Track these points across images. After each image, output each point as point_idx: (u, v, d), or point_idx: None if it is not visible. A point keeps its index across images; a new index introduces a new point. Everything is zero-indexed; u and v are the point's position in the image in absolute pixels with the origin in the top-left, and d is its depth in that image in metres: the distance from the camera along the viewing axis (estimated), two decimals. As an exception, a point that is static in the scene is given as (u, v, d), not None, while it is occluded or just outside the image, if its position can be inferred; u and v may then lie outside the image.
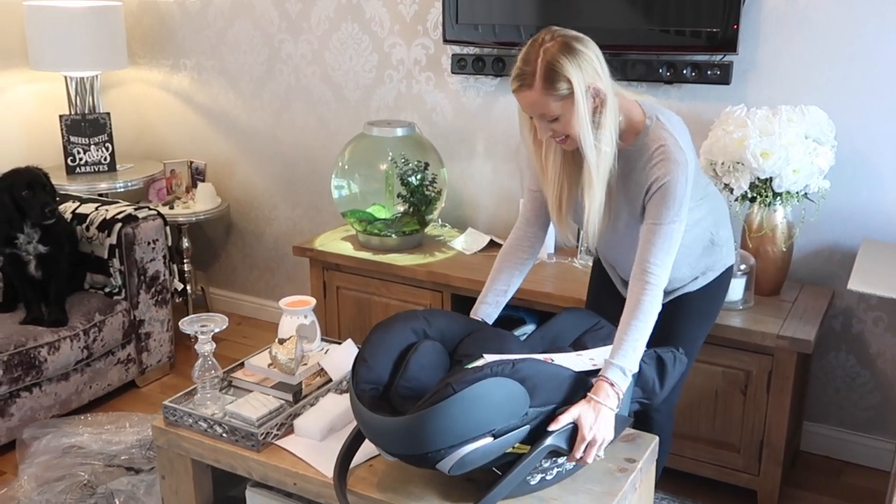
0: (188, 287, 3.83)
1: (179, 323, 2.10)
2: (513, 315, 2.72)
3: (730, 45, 2.61)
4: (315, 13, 3.47)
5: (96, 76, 3.75)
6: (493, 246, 3.07)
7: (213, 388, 2.12)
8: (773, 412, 2.45)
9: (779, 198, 2.44)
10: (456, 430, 1.59)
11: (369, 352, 1.83)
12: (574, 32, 1.80)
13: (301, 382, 2.13)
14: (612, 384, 1.75)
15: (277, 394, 2.10)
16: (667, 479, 2.61)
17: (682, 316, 2.10)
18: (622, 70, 2.79)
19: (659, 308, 1.88)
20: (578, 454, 1.71)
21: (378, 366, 1.82)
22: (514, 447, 1.68)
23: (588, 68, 1.75)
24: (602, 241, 2.09)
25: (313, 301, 2.34)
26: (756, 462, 2.52)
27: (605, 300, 2.20)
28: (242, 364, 2.24)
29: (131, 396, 3.33)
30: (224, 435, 2.00)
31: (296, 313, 2.32)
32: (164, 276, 3.36)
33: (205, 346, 2.09)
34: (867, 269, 2.34)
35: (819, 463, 2.86)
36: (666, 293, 2.07)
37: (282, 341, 2.17)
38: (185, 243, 3.83)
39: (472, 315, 2.06)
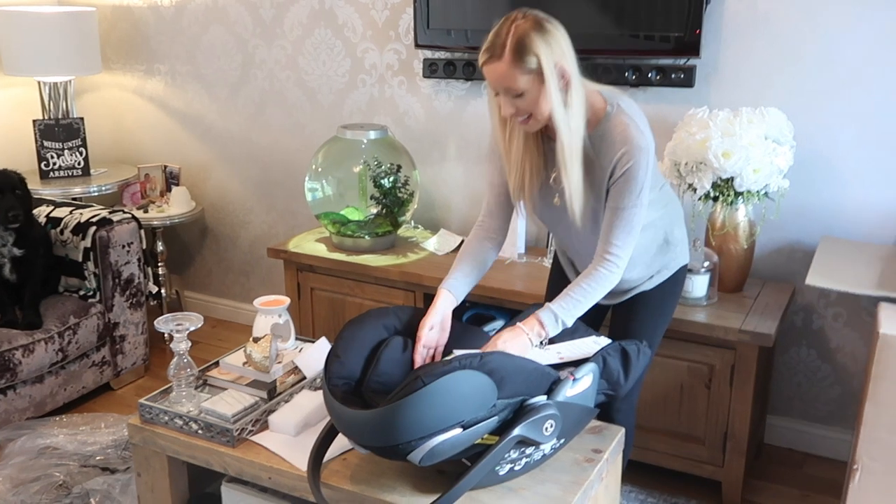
0: (163, 290, 3.85)
1: (155, 322, 2.13)
2: (483, 313, 2.79)
3: (693, 49, 2.68)
4: (288, 19, 3.51)
5: (70, 81, 3.77)
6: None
7: (189, 387, 2.15)
8: (736, 405, 2.53)
9: (740, 197, 2.52)
10: (426, 421, 1.64)
11: (342, 348, 1.87)
12: (545, 14, 1.86)
13: (276, 380, 2.16)
14: (540, 322, 1.91)
15: (252, 391, 2.13)
16: (633, 471, 2.68)
17: (638, 314, 2.17)
18: (591, 73, 2.83)
19: (611, 286, 1.97)
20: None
21: (350, 361, 1.86)
22: (482, 438, 1.73)
23: (556, 47, 1.81)
24: (564, 233, 2.14)
25: (287, 300, 2.38)
26: (720, 454, 2.59)
27: None
28: (218, 363, 2.27)
29: (106, 399, 3.34)
30: (199, 431, 2.03)
31: (270, 312, 2.36)
32: (139, 279, 3.38)
33: (180, 345, 2.12)
34: (825, 266, 2.42)
35: (782, 455, 2.94)
36: (622, 292, 2.15)
37: (256, 340, 2.21)
38: (160, 247, 3.85)
39: (440, 290, 2.06)
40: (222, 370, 2.25)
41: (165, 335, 2.14)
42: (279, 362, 2.22)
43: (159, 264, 3.86)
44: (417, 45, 3.15)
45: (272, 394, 2.14)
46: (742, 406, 2.52)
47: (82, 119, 3.76)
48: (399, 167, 3.09)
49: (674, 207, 2.18)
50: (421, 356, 1.95)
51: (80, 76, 3.81)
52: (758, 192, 2.50)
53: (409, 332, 1.98)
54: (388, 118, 3.41)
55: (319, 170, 3.20)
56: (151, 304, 3.68)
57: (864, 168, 2.67)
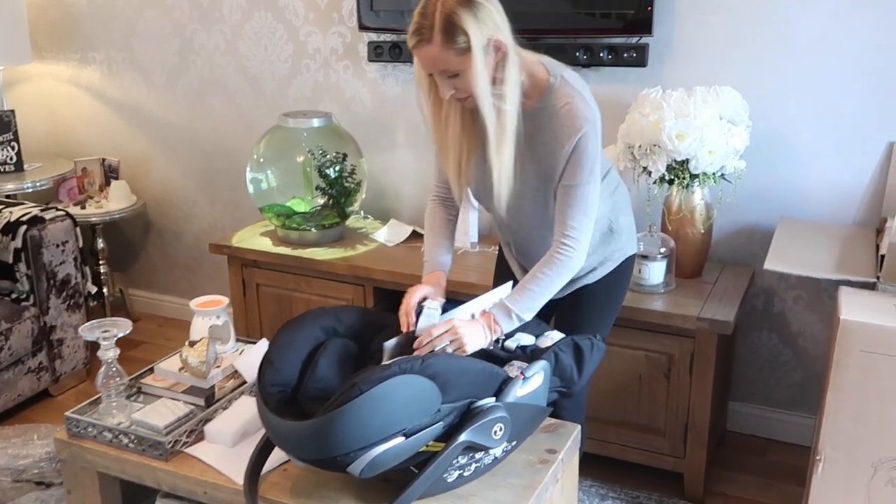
0: (104, 290, 3.69)
1: (80, 329, 2.01)
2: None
3: (644, 26, 2.59)
4: (227, 2, 3.36)
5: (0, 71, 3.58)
6: (415, 237, 3.01)
7: (119, 396, 2.03)
8: (696, 395, 2.45)
9: (696, 179, 2.43)
10: (364, 431, 1.54)
11: (276, 353, 1.76)
12: None
13: (214, 386, 2.06)
14: (494, 319, 1.81)
15: (189, 398, 2.03)
16: (593, 465, 2.60)
17: (583, 309, 2.08)
18: (537, 54, 2.75)
19: (571, 272, 1.87)
20: (436, 331, 1.75)
21: (285, 367, 1.75)
22: (428, 445, 1.63)
23: (488, 20, 1.70)
24: (508, 219, 2.03)
25: (225, 301, 2.27)
26: (681, 445, 2.52)
27: None
28: (153, 369, 2.15)
29: (45, 406, 3.19)
30: (130, 445, 1.91)
31: (207, 314, 2.25)
32: (76, 279, 3.22)
33: (108, 353, 2.00)
34: (783, 249, 2.34)
35: (745, 442, 2.88)
36: (565, 285, 2.05)
37: (192, 343, 2.09)
38: (101, 244, 3.68)
39: (428, 271, 2.01)
40: (157, 376, 2.14)
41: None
42: (218, 366, 2.11)
43: (100, 262, 3.70)
44: (362, 28, 3.02)
45: (210, 400, 2.03)
46: (702, 396, 2.44)
47: (13, 112, 3.57)
48: (345, 156, 2.97)
49: (620, 194, 2.08)
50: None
51: (8, 66, 3.62)
52: (714, 174, 2.42)
53: (351, 334, 1.86)
54: (335, 104, 3.27)
55: (262, 160, 3.06)
56: (92, 304, 3.51)
57: (821, 147, 2.60)
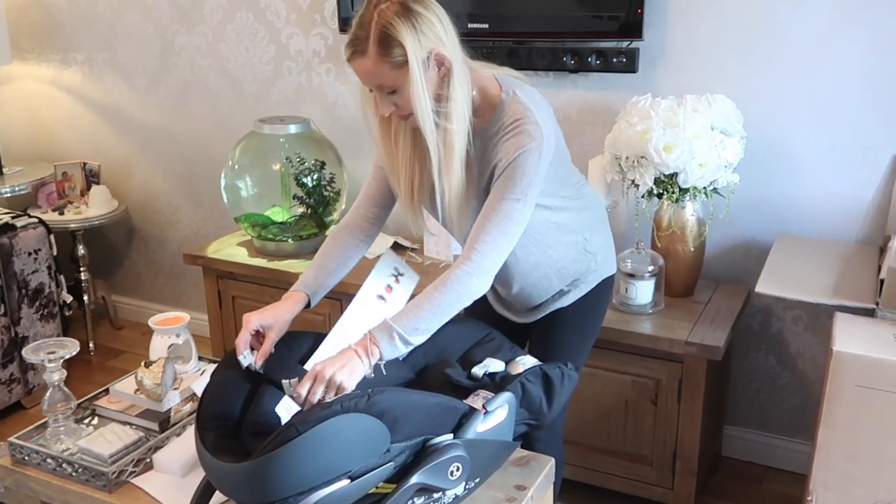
0: (85, 297, 3.58)
1: (23, 351, 1.90)
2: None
3: (635, 30, 2.44)
4: (208, 2, 3.24)
5: (-24, 73, 3.49)
6: (397, 249, 2.87)
7: (68, 420, 1.92)
8: (685, 422, 2.31)
9: (686, 194, 2.29)
10: (304, 474, 1.41)
11: (218, 382, 1.64)
12: None
13: (170, 409, 1.94)
14: (374, 341, 1.56)
15: (143, 423, 1.91)
16: (576, 492, 2.47)
17: (556, 335, 1.93)
18: (525, 58, 2.62)
19: (471, 295, 1.63)
20: (303, 389, 1.51)
21: (228, 399, 1.63)
22: (378, 487, 1.51)
23: (429, 33, 1.56)
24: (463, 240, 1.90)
25: (186, 318, 2.15)
26: (669, 475, 2.38)
27: (479, 317, 1.98)
28: (108, 390, 2.04)
29: (17, 419, 3.09)
30: (73, 474, 1.80)
31: (166, 332, 2.13)
32: (50, 288, 3.12)
33: (53, 375, 1.90)
34: (779, 268, 2.20)
35: (741, 469, 2.72)
36: (533, 309, 1.91)
37: (148, 364, 1.98)
38: (81, 250, 3.57)
39: (290, 291, 1.79)
40: (112, 399, 2.02)
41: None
42: (176, 388, 1.99)
43: (81, 269, 3.59)
44: (343, 30, 2.89)
45: (165, 425, 1.91)
46: (691, 423, 2.30)
47: (-9, 114, 3.48)
48: (323, 164, 2.84)
49: (594, 211, 1.92)
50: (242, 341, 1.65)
51: (-14, 68, 3.53)
52: (705, 188, 2.27)
53: (302, 360, 1.73)
54: (317, 108, 3.15)
55: (237, 167, 2.94)
56: (68, 314, 3.40)
57: (821, 158, 2.44)
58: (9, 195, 3.46)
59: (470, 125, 1.65)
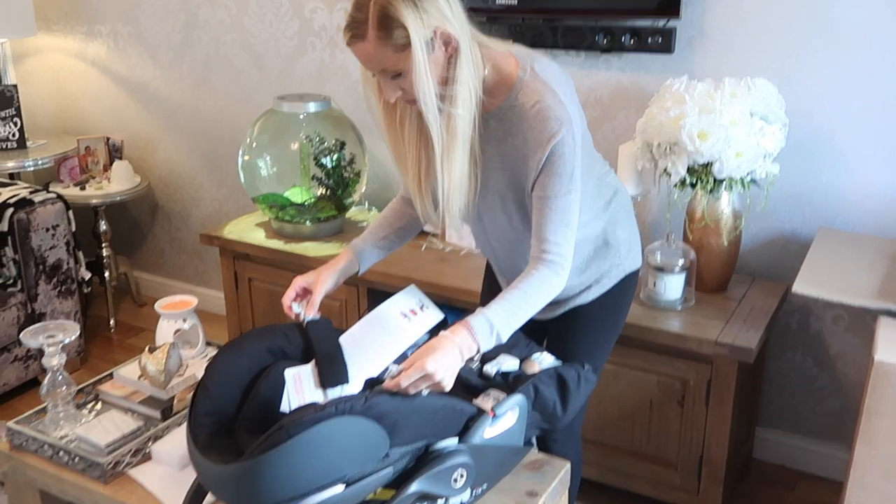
0: (106, 273, 3.54)
1: (21, 336, 1.84)
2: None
3: (672, 7, 2.30)
4: (232, -26, 3.15)
5: (2, 44, 3.43)
6: (421, 234, 2.76)
7: (67, 406, 1.86)
8: (712, 426, 2.18)
9: (722, 184, 2.15)
10: (296, 479, 1.33)
11: (212, 377, 1.55)
12: None
13: (173, 397, 1.87)
14: (471, 332, 1.48)
15: (145, 410, 1.85)
16: (596, 493, 2.36)
17: (576, 332, 1.82)
18: (557, 38, 2.49)
19: (555, 289, 1.58)
20: (406, 381, 1.42)
21: (222, 394, 1.54)
22: (375, 493, 1.42)
23: (431, 9, 1.45)
24: (483, 232, 1.80)
25: (194, 302, 2.09)
26: (695, 480, 2.26)
27: None
28: (112, 375, 1.98)
29: (33, 395, 3.06)
30: (70, 463, 1.74)
31: (172, 317, 2.07)
32: (69, 264, 3.08)
33: (52, 360, 1.83)
34: (819, 266, 2.05)
35: (773, 473, 2.59)
36: (554, 305, 1.80)
37: (153, 349, 1.92)
38: (103, 226, 3.53)
39: (344, 251, 1.83)
40: (116, 384, 1.97)
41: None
42: (181, 375, 1.93)
43: (103, 245, 3.55)
44: (367, 5, 2.78)
45: (167, 414, 1.85)
46: (719, 427, 2.18)
47: (16, 86, 3.43)
48: (343, 144, 2.74)
49: (618, 202, 1.80)
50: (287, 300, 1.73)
51: (12, 38, 3.48)
52: (742, 179, 2.13)
53: (301, 354, 1.65)
54: (341, 86, 3.05)
55: (255, 145, 2.85)
56: (87, 290, 3.37)
57: (867, 149, 2.28)
58: (32, 168, 3.42)
59: (477, 108, 1.55)
